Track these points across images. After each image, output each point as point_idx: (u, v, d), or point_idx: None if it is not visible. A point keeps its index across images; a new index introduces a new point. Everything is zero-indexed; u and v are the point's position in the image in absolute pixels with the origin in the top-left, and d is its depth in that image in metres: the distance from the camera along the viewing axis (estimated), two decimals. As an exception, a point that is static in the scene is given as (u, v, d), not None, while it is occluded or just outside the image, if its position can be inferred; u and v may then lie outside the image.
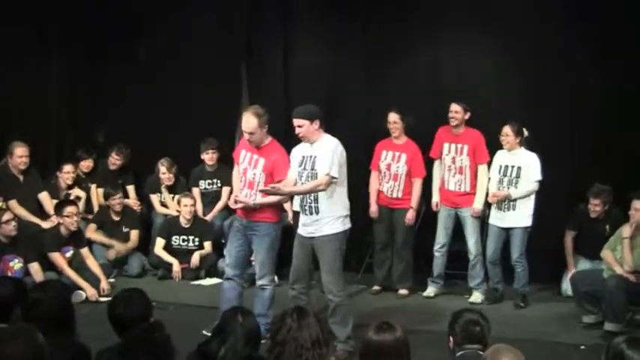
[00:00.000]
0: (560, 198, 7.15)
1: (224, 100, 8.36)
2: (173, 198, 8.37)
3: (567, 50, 7.28)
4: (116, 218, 8.08)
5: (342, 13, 8.15)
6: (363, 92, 8.12)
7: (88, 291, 6.88)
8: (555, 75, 7.33)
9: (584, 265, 6.85)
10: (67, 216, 7.04)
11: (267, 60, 8.49)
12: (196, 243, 7.96)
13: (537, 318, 6.51)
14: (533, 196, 6.74)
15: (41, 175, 7.82)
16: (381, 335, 3.25)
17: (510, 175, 6.78)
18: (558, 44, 7.29)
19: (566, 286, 6.83)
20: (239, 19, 8.53)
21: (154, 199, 8.49)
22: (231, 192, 6.79)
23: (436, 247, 7.13)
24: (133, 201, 8.50)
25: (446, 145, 7.08)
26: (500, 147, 6.87)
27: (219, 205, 8.22)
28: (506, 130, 6.75)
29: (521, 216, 6.74)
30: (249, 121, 5.61)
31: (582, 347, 5.73)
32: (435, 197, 7.14)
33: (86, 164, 8.40)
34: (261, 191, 5.51)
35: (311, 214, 5.48)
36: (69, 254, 7.13)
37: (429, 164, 7.24)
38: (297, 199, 6.52)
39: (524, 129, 6.77)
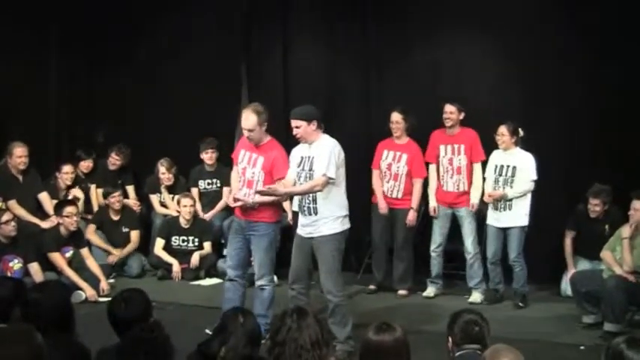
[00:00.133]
0: (560, 198, 7.15)
1: (224, 100, 8.36)
2: (173, 198, 8.37)
3: (567, 50, 7.28)
4: (115, 218, 8.08)
5: (342, 13, 8.15)
6: (362, 92, 8.12)
7: (88, 291, 6.88)
8: (555, 75, 7.33)
9: (584, 265, 6.85)
10: (67, 216, 7.04)
11: (266, 60, 8.49)
12: (196, 243, 7.96)
13: (537, 318, 6.50)
14: (529, 196, 6.74)
15: (40, 176, 7.82)
16: (381, 335, 3.25)
17: (506, 175, 6.78)
18: (558, 44, 7.29)
19: (566, 286, 6.83)
20: (239, 19, 8.53)
21: (154, 199, 8.49)
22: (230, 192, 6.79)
23: (432, 247, 7.13)
24: (132, 201, 8.50)
25: (442, 148, 7.07)
26: (501, 147, 6.88)
27: (220, 205, 8.22)
28: (502, 129, 6.76)
29: (517, 216, 6.75)
30: (248, 118, 5.62)
31: (582, 347, 5.72)
32: (432, 202, 7.13)
33: (86, 164, 8.40)
34: (258, 192, 5.51)
35: (309, 214, 5.48)
36: (68, 254, 7.13)
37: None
38: (296, 200, 6.52)
39: (519, 129, 6.78)
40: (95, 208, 8.33)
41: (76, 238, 7.23)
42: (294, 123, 5.47)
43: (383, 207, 7.19)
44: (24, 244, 6.93)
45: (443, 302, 6.90)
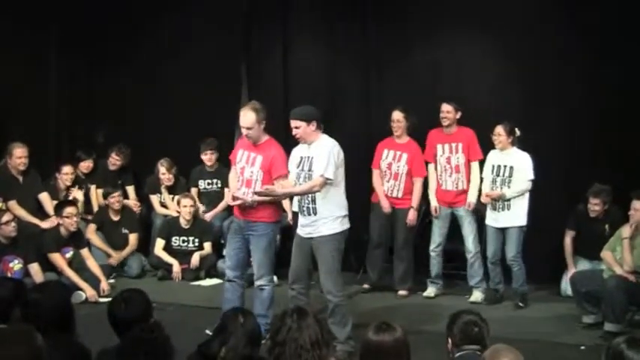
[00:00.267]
0: (560, 198, 7.15)
1: (224, 100, 8.35)
2: (173, 198, 8.37)
3: (567, 50, 7.28)
4: (115, 218, 8.07)
5: (342, 13, 8.16)
6: (362, 92, 8.12)
7: (88, 291, 6.88)
8: (555, 75, 7.33)
9: (584, 265, 6.85)
10: (67, 217, 7.04)
11: (266, 60, 8.50)
12: (196, 244, 7.96)
13: (537, 318, 6.50)
14: (527, 196, 6.74)
15: (40, 176, 7.82)
16: (381, 335, 3.25)
17: (503, 175, 6.78)
18: (558, 44, 7.29)
19: (566, 286, 6.83)
20: (239, 19, 8.53)
21: (154, 199, 8.49)
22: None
23: (432, 246, 7.13)
24: (132, 202, 8.49)
25: (439, 147, 7.07)
26: (501, 147, 6.88)
27: (221, 205, 8.20)
28: (499, 129, 6.76)
29: (515, 215, 6.74)
30: (246, 115, 5.63)
31: (582, 347, 5.72)
32: (434, 202, 7.13)
33: (86, 165, 8.39)
34: (255, 193, 5.51)
35: (309, 214, 5.48)
36: (69, 255, 7.13)
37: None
38: (296, 200, 6.52)
39: (516, 129, 6.78)
40: (95, 208, 8.32)
41: (76, 239, 7.23)
42: (293, 123, 5.47)
43: (386, 206, 7.17)
44: (24, 245, 6.93)
45: (443, 302, 6.91)
